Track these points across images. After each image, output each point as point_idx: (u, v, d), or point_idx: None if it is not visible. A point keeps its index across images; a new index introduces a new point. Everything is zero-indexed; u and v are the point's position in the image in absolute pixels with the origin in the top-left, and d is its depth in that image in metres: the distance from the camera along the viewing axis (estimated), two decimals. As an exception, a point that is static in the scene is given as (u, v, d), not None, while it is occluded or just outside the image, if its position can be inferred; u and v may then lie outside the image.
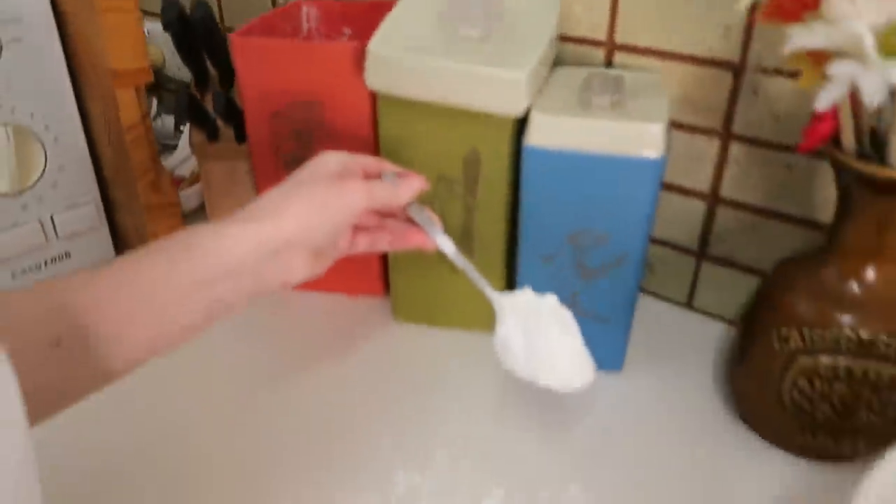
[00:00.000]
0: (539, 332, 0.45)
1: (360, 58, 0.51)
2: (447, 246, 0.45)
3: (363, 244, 0.45)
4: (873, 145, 0.40)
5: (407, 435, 0.49)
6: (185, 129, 0.81)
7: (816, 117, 0.40)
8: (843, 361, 0.43)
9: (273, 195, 0.39)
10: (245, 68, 0.56)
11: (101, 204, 0.64)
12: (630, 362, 0.55)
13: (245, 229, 0.36)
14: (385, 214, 0.46)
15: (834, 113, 0.40)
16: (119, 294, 0.32)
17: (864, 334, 0.42)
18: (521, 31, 0.52)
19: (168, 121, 0.88)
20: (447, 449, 0.48)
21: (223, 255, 0.35)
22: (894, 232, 0.41)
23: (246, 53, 0.55)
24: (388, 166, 0.44)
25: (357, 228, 0.45)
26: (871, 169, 0.39)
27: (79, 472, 0.46)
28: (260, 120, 0.57)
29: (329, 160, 0.41)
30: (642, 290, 0.63)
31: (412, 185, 0.43)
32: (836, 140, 0.41)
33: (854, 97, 0.37)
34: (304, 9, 0.65)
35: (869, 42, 0.33)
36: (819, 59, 0.37)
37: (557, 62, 0.57)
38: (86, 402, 0.33)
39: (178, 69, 0.84)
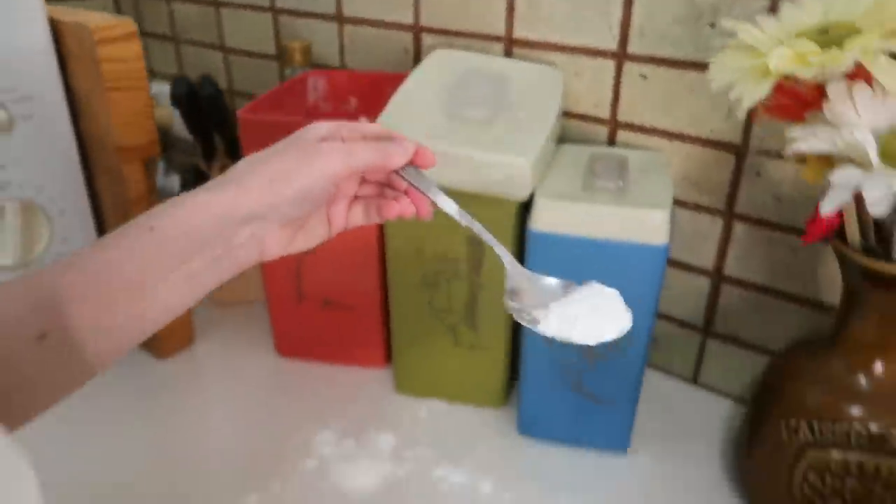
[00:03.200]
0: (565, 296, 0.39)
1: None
2: (448, 205, 0.38)
3: (358, 216, 0.40)
4: (879, 240, 0.40)
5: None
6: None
7: (834, 214, 0.40)
8: (854, 456, 0.42)
9: (242, 163, 0.36)
10: (251, 143, 0.57)
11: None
12: (637, 440, 0.54)
13: (203, 199, 0.34)
14: (384, 184, 0.41)
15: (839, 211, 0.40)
16: (99, 281, 0.31)
17: (875, 428, 0.41)
18: (526, 112, 0.52)
19: (174, 180, 0.89)
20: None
21: (182, 226, 0.33)
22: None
23: (252, 129, 0.56)
24: (388, 132, 0.39)
25: (355, 199, 0.40)
26: (877, 265, 0.39)
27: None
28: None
29: (319, 126, 0.38)
30: (648, 364, 0.63)
31: (405, 147, 0.37)
32: (840, 232, 0.41)
33: (859, 196, 0.37)
34: (311, 80, 0.66)
35: (872, 150, 0.33)
36: (822, 158, 0.37)
37: (562, 138, 0.58)
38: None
39: (186, 130, 0.86)
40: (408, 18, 0.64)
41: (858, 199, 0.37)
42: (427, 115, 0.52)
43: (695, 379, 0.61)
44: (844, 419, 0.42)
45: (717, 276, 0.56)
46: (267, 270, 0.61)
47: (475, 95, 0.53)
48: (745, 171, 0.52)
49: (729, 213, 0.54)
